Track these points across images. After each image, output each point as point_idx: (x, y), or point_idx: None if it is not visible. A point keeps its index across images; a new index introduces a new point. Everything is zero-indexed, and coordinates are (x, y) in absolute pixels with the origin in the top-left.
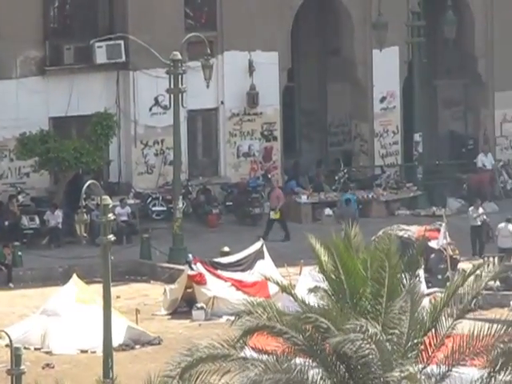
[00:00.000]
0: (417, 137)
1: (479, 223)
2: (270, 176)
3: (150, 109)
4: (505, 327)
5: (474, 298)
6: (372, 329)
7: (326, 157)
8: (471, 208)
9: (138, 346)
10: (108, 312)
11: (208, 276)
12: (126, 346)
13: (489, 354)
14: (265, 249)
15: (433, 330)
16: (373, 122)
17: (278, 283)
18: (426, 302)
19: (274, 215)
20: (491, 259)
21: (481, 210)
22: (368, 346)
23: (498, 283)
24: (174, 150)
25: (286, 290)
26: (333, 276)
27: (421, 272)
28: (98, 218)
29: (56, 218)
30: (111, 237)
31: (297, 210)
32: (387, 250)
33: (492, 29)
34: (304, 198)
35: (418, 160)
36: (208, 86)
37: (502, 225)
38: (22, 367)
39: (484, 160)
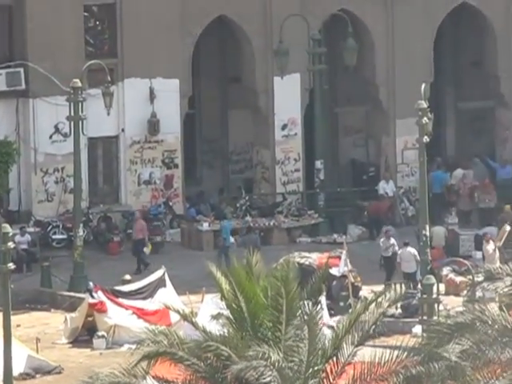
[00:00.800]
0: (318, 164)
1: (390, 254)
2: (171, 204)
3: (50, 136)
4: (406, 353)
5: (374, 324)
6: (274, 356)
7: (227, 184)
8: (382, 239)
9: (38, 375)
10: (8, 341)
11: (109, 304)
12: (26, 375)
13: (391, 380)
14: (166, 277)
15: (334, 357)
16: (274, 150)
17: (178, 311)
18: (327, 329)
19: (146, 250)
20: (393, 286)
21: (392, 241)
22: (270, 372)
23: (399, 310)
24: (75, 177)
25: (187, 318)
26: (233, 304)
27: (323, 299)
28: None
29: None
30: (11, 265)
31: (198, 237)
32: (285, 276)
33: (393, 56)
34: (206, 226)
35: (319, 187)
36: (109, 114)
37: (401, 250)
38: None
39: (385, 187)
